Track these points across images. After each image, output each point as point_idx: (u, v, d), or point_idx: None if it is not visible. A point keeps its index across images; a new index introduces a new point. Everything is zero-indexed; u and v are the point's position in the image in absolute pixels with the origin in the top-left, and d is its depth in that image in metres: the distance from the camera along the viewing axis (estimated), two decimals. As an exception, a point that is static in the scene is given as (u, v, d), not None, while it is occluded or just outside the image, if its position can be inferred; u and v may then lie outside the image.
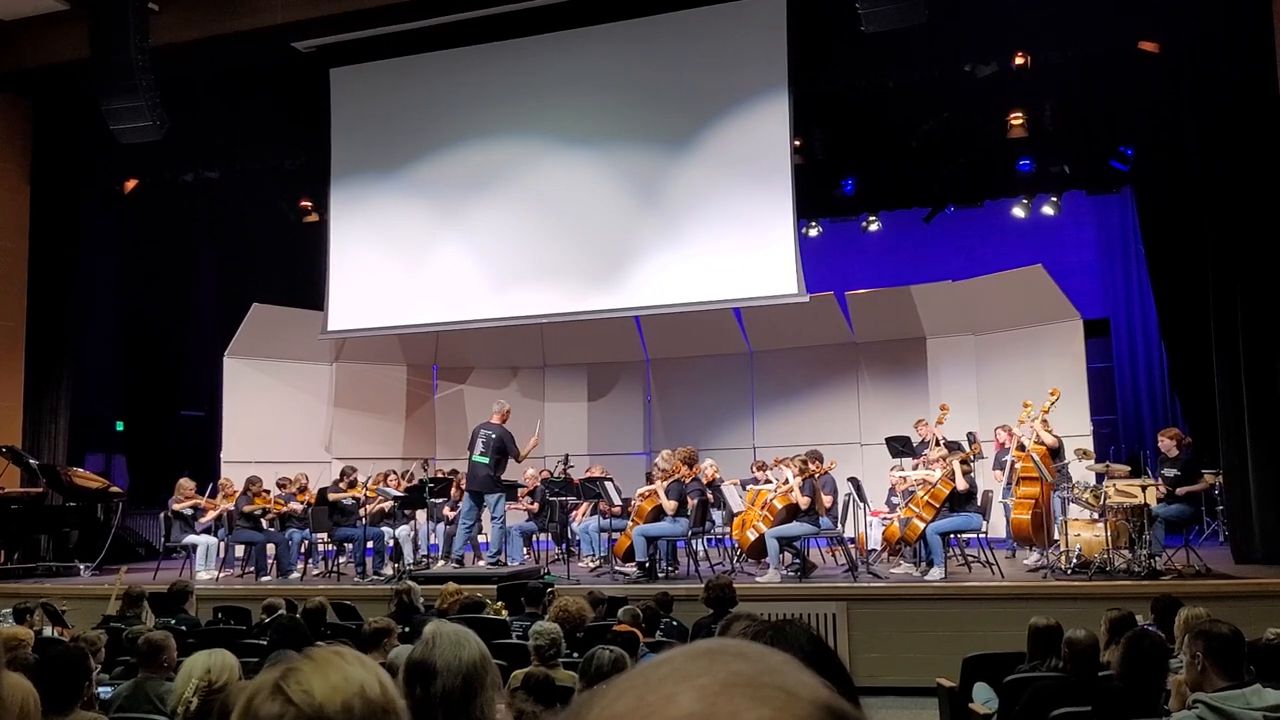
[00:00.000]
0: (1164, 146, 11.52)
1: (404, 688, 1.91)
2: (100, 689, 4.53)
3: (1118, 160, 12.58)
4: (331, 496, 10.47)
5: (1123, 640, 3.96)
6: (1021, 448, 9.14)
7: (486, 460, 9.66)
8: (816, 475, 8.96)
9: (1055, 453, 9.03)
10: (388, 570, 10.12)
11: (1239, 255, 9.03)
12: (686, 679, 0.51)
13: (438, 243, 11.37)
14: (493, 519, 9.83)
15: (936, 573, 8.39)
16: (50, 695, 3.46)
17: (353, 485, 10.63)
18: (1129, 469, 8.80)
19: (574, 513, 10.94)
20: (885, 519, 9.96)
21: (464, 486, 10.19)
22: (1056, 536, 8.88)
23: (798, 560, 9.15)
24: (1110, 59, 10.01)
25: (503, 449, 9.71)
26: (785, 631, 1.23)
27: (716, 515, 10.07)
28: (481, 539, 10.51)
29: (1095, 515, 8.52)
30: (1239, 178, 9.10)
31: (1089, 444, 10.11)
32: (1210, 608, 4.76)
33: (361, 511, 10.40)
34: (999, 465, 9.72)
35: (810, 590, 8.36)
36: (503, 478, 10.02)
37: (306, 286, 12.71)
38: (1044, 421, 9.05)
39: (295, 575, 10.37)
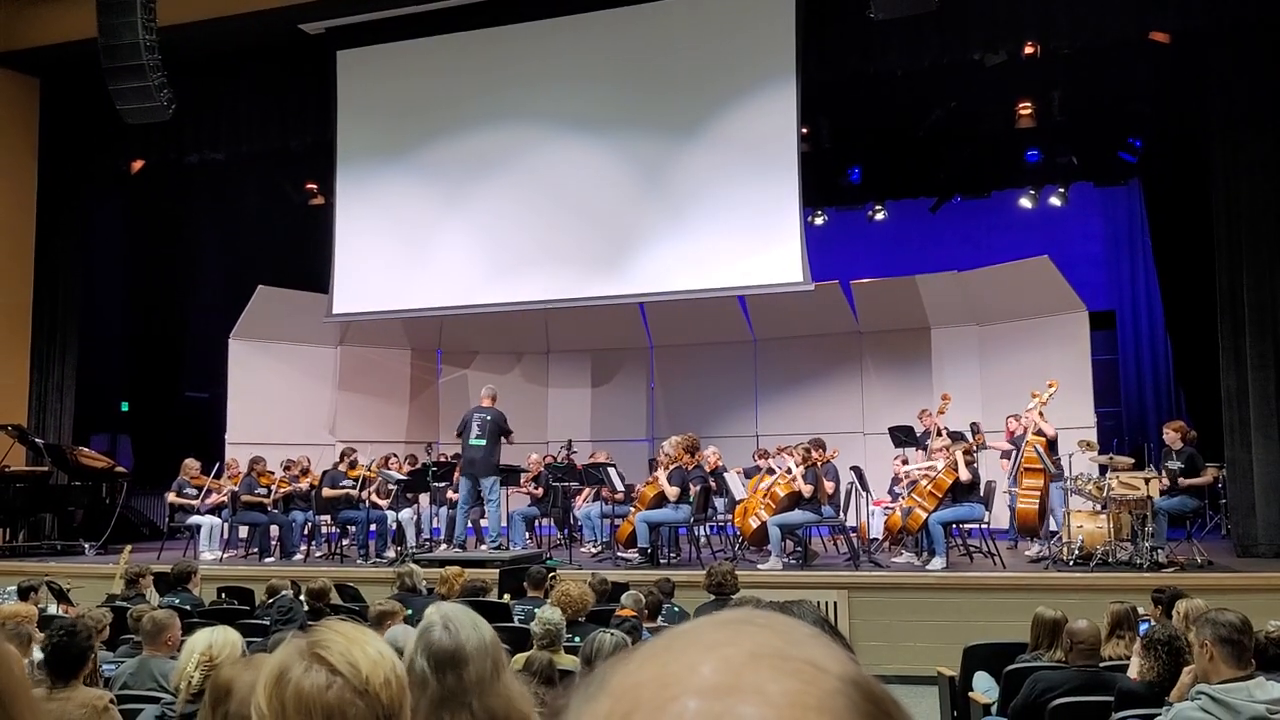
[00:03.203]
0: (1173, 138, 11.48)
1: (432, 676, 1.90)
2: (104, 666, 4.56)
3: (1126, 152, 12.54)
4: (328, 493, 10.46)
5: (1150, 642, 3.95)
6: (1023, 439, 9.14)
7: (484, 443, 9.66)
8: (819, 464, 8.96)
9: (1052, 444, 9.02)
10: (390, 553, 10.15)
11: (1246, 249, 9.00)
12: (712, 648, 0.51)
13: (443, 227, 11.36)
14: (488, 501, 9.82)
15: (938, 562, 8.40)
16: (56, 665, 3.48)
17: (353, 466, 10.66)
18: (1132, 461, 8.79)
19: (576, 498, 10.95)
20: (887, 508, 9.96)
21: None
22: (1054, 528, 8.89)
23: (799, 548, 9.17)
24: (1120, 49, 9.96)
25: (499, 431, 9.71)
26: (793, 612, 1.23)
27: (719, 502, 10.08)
28: (485, 523, 10.53)
29: (1098, 507, 8.52)
30: (1247, 170, 9.05)
31: (1093, 436, 10.10)
32: (1212, 601, 4.76)
33: (363, 494, 10.43)
34: (1006, 455, 9.70)
35: (811, 578, 8.37)
36: (504, 462, 10.03)
37: (311, 269, 12.70)
38: (1040, 413, 9.03)
39: (298, 557, 10.41)
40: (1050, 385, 9.18)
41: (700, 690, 0.49)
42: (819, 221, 13.65)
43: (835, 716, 0.49)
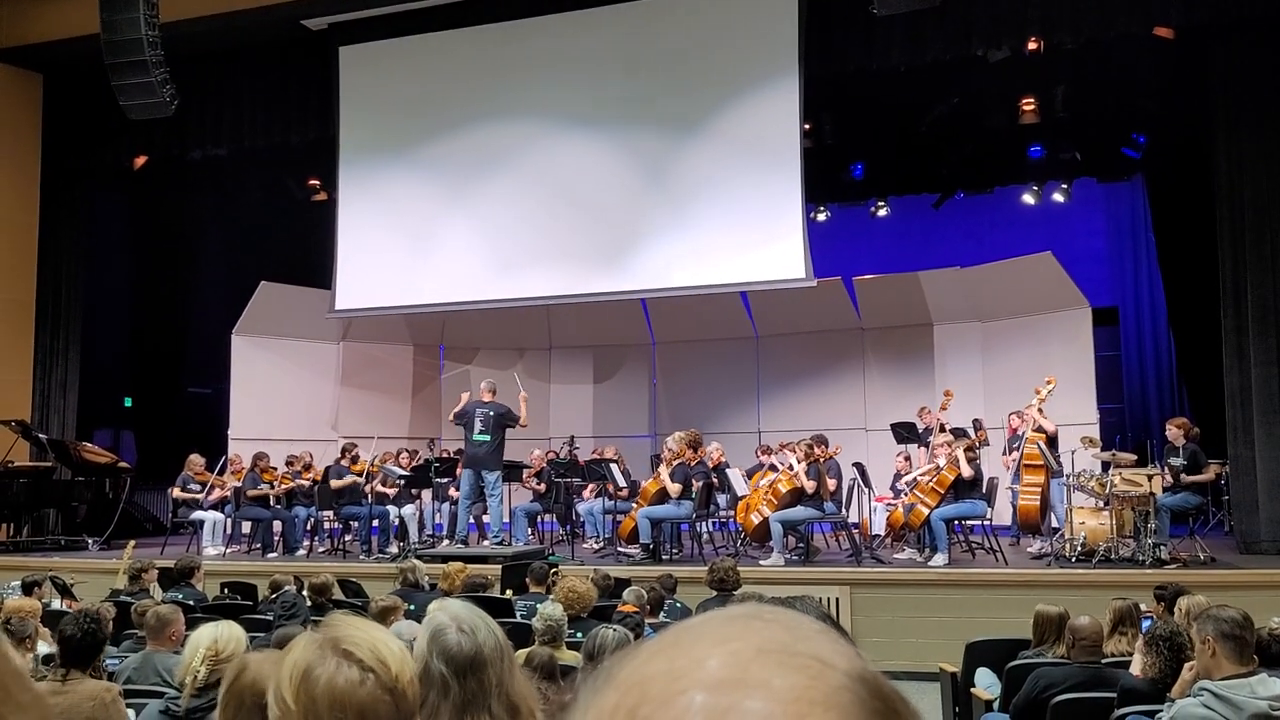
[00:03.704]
0: (1176, 134, 11.46)
1: (453, 680, 1.91)
2: (108, 661, 4.57)
3: (1129, 147, 12.52)
4: (335, 484, 10.50)
5: (1152, 639, 3.96)
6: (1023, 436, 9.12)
7: (488, 438, 9.66)
8: (821, 460, 8.96)
9: (1052, 441, 9.01)
10: (393, 549, 10.16)
11: (1250, 245, 8.99)
12: (720, 643, 0.51)
13: (445, 223, 11.35)
14: (490, 496, 9.83)
15: (940, 559, 8.40)
16: (74, 655, 3.50)
17: (355, 461, 10.67)
18: (1135, 458, 8.79)
19: (584, 491, 10.95)
20: (889, 504, 9.96)
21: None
22: (1055, 525, 8.89)
23: (801, 544, 9.18)
24: (1124, 45, 9.94)
25: (503, 423, 9.70)
26: (796, 608, 1.23)
27: (721, 498, 10.09)
28: (487, 519, 10.55)
29: (1100, 504, 8.51)
30: (1251, 166, 9.04)
31: (1095, 432, 10.09)
32: (1215, 598, 4.75)
33: (368, 488, 10.44)
34: (1009, 451, 9.68)
35: (813, 574, 8.37)
36: (505, 458, 10.03)
37: (314, 265, 12.71)
38: (1040, 409, 9.02)
39: (301, 552, 10.43)
40: (1049, 382, 9.17)
41: (707, 684, 0.49)
42: (821, 217, 13.64)
43: (841, 712, 0.49)
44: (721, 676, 0.49)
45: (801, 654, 0.51)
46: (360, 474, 10.53)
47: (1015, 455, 9.15)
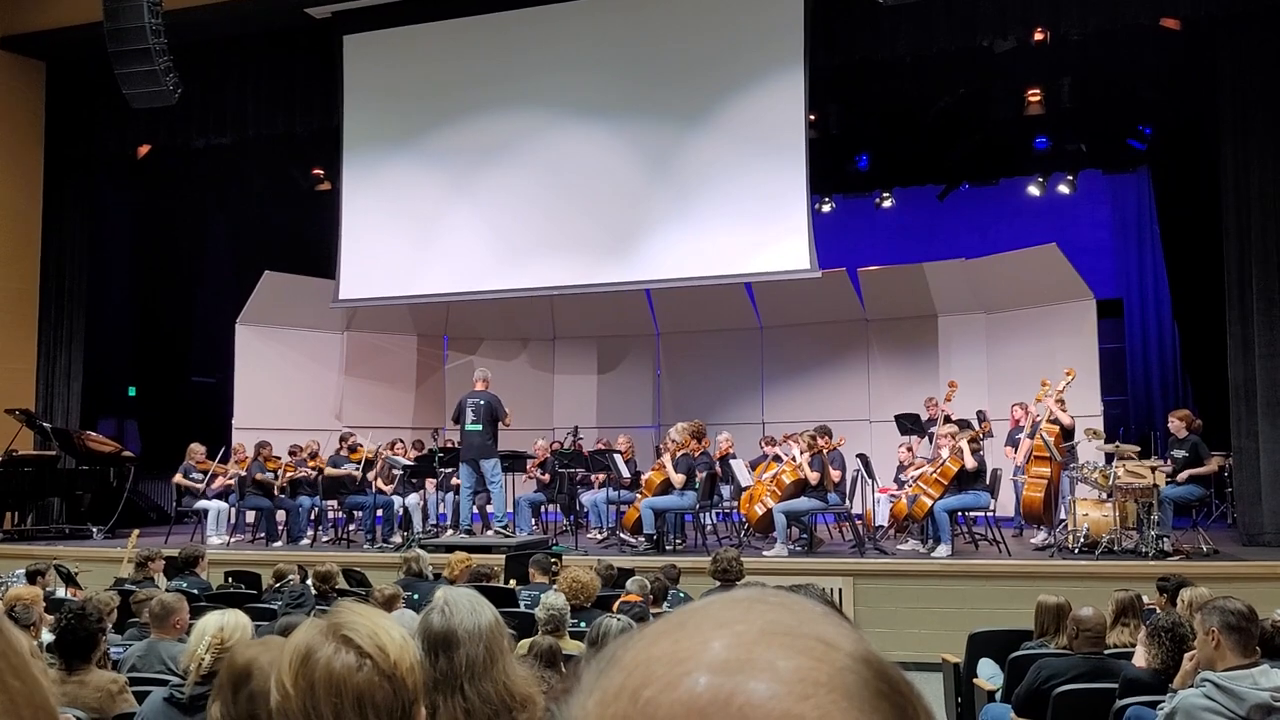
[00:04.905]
0: (1182, 126, 11.43)
1: (425, 658, 1.89)
2: (112, 650, 4.59)
3: (1135, 139, 12.49)
4: (330, 472, 10.49)
5: (1155, 630, 3.96)
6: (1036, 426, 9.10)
7: (480, 427, 9.69)
8: (825, 451, 8.96)
9: (1068, 433, 8.99)
10: (397, 538, 10.18)
11: (1255, 237, 8.97)
12: (724, 625, 0.51)
13: (450, 213, 11.34)
14: (491, 484, 9.86)
15: (943, 550, 8.41)
16: (66, 648, 3.51)
17: (354, 450, 10.67)
18: (1138, 449, 8.78)
19: (592, 480, 10.95)
20: (893, 496, 9.96)
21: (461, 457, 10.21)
22: (1063, 516, 8.88)
23: (805, 535, 9.19)
24: (1130, 36, 9.90)
25: (493, 414, 9.74)
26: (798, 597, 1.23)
27: (725, 489, 10.09)
28: (491, 509, 10.56)
29: (1103, 495, 8.51)
30: (1257, 158, 9.01)
31: (1099, 424, 10.09)
32: (1218, 590, 4.76)
33: (371, 475, 10.44)
34: (1011, 442, 9.67)
35: (817, 565, 8.37)
36: (509, 448, 10.04)
37: (318, 255, 12.70)
38: (1060, 401, 9.00)
39: (305, 541, 10.46)
40: (1068, 374, 9.13)
41: (712, 666, 0.49)
42: (826, 209, 13.62)
43: (845, 693, 0.49)
44: (726, 658, 0.49)
45: (806, 636, 0.51)
46: (358, 462, 10.53)
47: (1025, 445, 9.11)
